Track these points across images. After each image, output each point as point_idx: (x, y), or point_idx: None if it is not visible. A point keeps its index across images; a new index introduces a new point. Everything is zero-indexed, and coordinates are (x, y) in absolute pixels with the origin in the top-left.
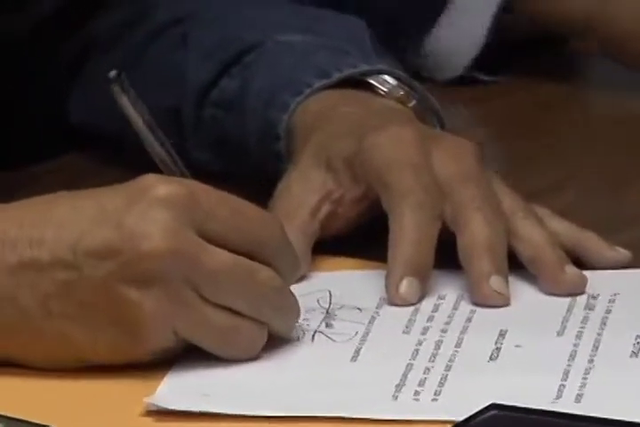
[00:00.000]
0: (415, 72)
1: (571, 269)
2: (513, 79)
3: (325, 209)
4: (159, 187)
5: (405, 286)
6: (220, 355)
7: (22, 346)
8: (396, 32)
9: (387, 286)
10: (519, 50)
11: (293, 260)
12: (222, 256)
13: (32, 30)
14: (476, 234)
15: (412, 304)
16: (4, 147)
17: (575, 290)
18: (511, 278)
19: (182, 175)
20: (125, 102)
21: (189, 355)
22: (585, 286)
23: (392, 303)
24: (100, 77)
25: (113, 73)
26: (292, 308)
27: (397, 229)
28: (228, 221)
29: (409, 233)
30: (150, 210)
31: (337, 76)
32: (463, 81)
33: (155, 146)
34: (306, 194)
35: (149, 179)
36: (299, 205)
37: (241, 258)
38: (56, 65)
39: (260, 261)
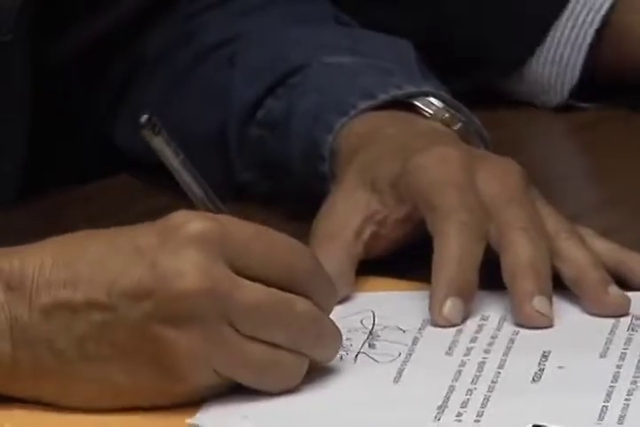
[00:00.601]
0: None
1: (614, 290)
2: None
3: (369, 230)
4: (191, 224)
5: (449, 307)
6: (262, 389)
7: (59, 389)
8: (489, 60)
9: (430, 307)
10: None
11: (329, 289)
12: (257, 291)
13: (82, 51)
14: (519, 254)
15: (456, 325)
16: (51, 165)
17: (618, 311)
18: (555, 299)
19: (220, 212)
20: (159, 145)
21: None
22: (628, 307)
23: (435, 324)
24: (146, 103)
25: (144, 117)
26: (333, 337)
27: (442, 249)
28: (261, 255)
29: (453, 253)
30: (183, 248)
31: (382, 97)
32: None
33: (191, 185)
34: (350, 215)
35: (182, 216)
36: (343, 226)
37: (276, 291)
38: (105, 85)
39: (296, 293)
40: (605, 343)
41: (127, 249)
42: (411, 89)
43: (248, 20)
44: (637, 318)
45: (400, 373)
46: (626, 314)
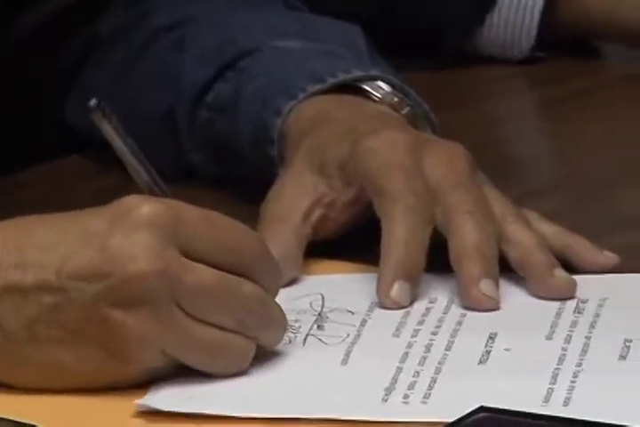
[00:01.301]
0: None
1: (560, 273)
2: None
3: (318, 213)
4: (142, 208)
5: (396, 290)
6: (209, 370)
7: (9, 370)
8: (442, 33)
9: (378, 290)
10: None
11: (276, 272)
12: (207, 273)
13: (34, 31)
14: (466, 238)
15: (403, 307)
16: (4, 146)
17: (564, 294)
18: (501, 282)
19: (165, 196)
20: (107, 128)
21: None
22: (574, 289)
23: (383, 306)
24: (98, 83)
25: (93, 101)
26: (279, 320)
27: (389, 232)
28: (210, 238)
29: (400, 236)
30: (134, 231)
31: (331, 81)
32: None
33: (137, 169)
34: (298, 197)
35: (132, 200)
36: (291, 209)
37: (224, 274)
38: (57, 65)
39: (243, 276)
40: (551, 326)
41: (77, 232)
42: (359, 73)
43: (199, 4)
44: (583, 302)
45: (348, 354)
46: (572, 297)
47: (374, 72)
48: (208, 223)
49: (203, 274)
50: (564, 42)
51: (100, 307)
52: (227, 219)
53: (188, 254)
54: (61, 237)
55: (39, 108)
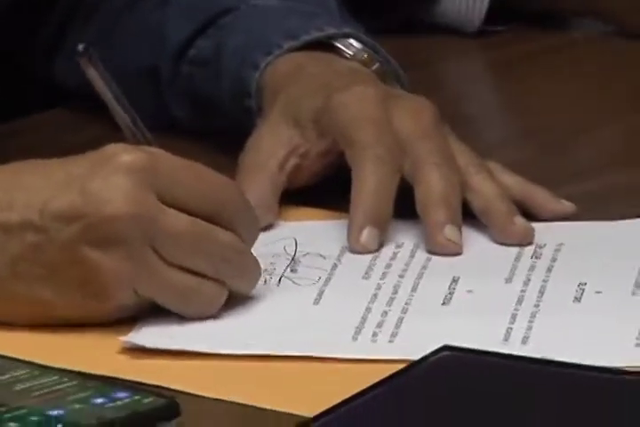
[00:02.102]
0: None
1: (519, 221)
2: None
3: (292, 162)
4: (122, 155)
5: (365, 235)
6: (181, 313)
7: None
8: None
9: (348, 235)
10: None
11: (253, 223)
12: (182, 219)
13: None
14: (432, 187)
15: (372, 252)
16: None
17: (523, 240)
18: (464, 229)
19: (148, 144)
20: (93, 75)
21: None
22: (532, 236)
23: (353, 251)
24: (84, 40)
25: (81, 46)
26: (253, 268)
27: (359, 181)
28: (188, 186)
29: (369, 185)
30: (113, 176)
31: (305, 38)
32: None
33: (122, 116)
34: (274, 148)
35: (114, 148)
36: (267, 158)
37: (200, 221)
38: (43, 27)
39: (220, 226)
40: (511, 269)
41: (60, 176)
42: (332, 31)
43: None
44: (540, 247)
45: (320, 295)
46: (530, 243)
47: (346, 30)
48: (188, 172)
49: (178, 219)
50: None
51: (78, 246)
52: (207, 169)
53: (166, 201)
54: (46, 181)
55: (29, 67)
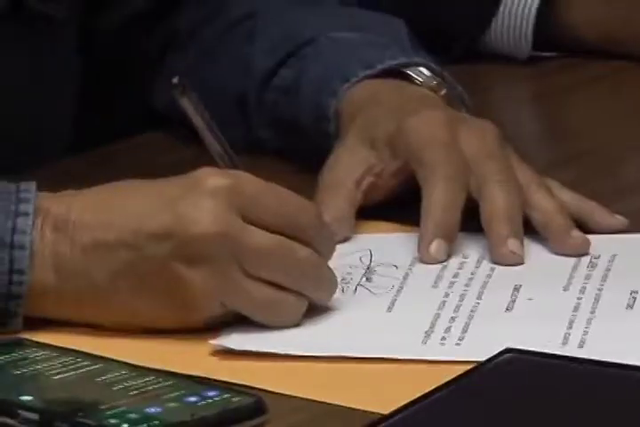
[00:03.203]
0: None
1: (576, 234)
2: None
3: (368, 180)
4: (211, 179)
5: (435, 247)
6: (264, 323)
7: (95, 314)
8: (449, 38)
9: (419, 247)
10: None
11: (329, 239)
12: (263, 236)
13: (124, 23)
14: (496, 203)
15: (441, 262)
16: (89, 125)
17: (580, 251)
18: (526, 241)
19: (235, 167)
20: (186, 104)
21: None
22: (588, 247)
23: (423, 262)
24: (180, 69)
25: (175, 79)
26: (330, 281)
27: (429, 198)
28: (270, 207)
29: (439, 201)
30: (202, 199)
31: (379, 67)
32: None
33: (212, 143)
34: (351, 167)
35: (204, 172)
36: (345, 177)
37: (281, 237)
38: (142, 53)
39: (299, 242)
40: (568, 279)
41: (154, 198)
42: (404, 60)
43: (265, 0)
44: (595, 258)
45: (393, 303)
46: (586, 254)
47: (416, 59)
48: (270, 194)
49: (260, 237)
50: (571, 43)
51: (169, 263)
52: (286, 190)
53: (250, 221)
54: (141, 202)
55: (129, 92)
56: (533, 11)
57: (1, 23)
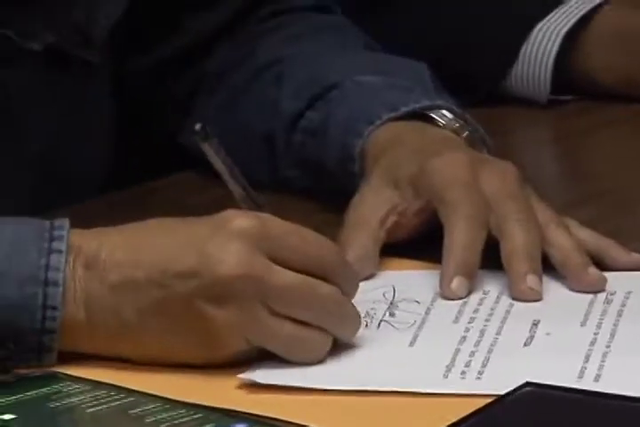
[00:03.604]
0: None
1: (593, 271)
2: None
3: (392, 219)
4: (237, 220)
5: (456, 284)
6: (289, 360)
7: (124, 349)
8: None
9: (440, 283)
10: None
11: (353, 278)
12: (287, 275)
13: (157, 66)
14: (516, 241)
15: (461, 298)
16: (122, 166)
17: (596, 288)
18: (544, 278)
19: (259, 208)
20: (208, 150)
21: None
22: (605, 284)
23: (445, 297)
24: (209, 111)
25: (198, 126)
26: (353, 318)
27: (451, 236)
28: (294, 247)
29: (460, 239)
30: (228, 240)
31: (403, 109)
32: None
33: (235, 187)
34: (376, 206)
35: (230, 214)
36: (369, 215)
37: (305, 277)
38: (174, 94)
39: (324, 281)
40: (585, 314)
41: (183, 237)
42: (427, 103)
43: (292, 46)
44: (611, 294)
45: (415, 338)
46: (602, 290)
47: (439, 102)
48: (293, 234)
49: (285, 276)
50: (589, 87)
51: (195, 302)
52: (309, 231)
53: (275, 261)
54: (170, 241)
55: (161, 131)
56: (552, 57)
57: (38, 67)
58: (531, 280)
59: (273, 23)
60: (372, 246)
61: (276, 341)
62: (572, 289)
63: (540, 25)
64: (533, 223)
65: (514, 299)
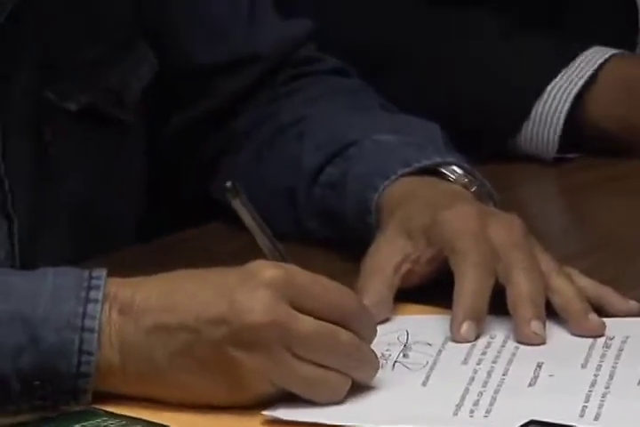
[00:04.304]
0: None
1: (593, 317)
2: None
3: (405, 267)
4: (264, 271)
5: (465, 328)
6: (311, 400)
7: (156, 391)
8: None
9: (451, 327)
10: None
11: (371, 324)
12: (310, 323)
13: (188, 126)
14: (521, 288)
15: (470, 342)
16: (153, 216)
17: (596, 333)
18: (548, 323)
19: (283, 260)
20: (239, 207)
21: None
22: (604, 330)
23: (455, 341)
24: (236, 168)
25: (229, 183)
26: (372, 362)
27: (461, 282)
28: (317, 296)
29: (469, 286)
30: (256, 290)
31: (416, 166)
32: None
33: (263, 239)
34: (391, 255)
35: (257, 265)
36: (385, 263)
37: (326, 324)
38: (204, 152)
39: (343, 327)
40: (585, 357)
41: (215, 286)
42: (438, 160)
43: (313, 106)
44: (610, 339)
45: (427, 378)
46: (602, 335)
47: (449, 159)
48: (316, 285)
49: (308, 323)
50: (594, 144)
51: (224, 347)
52: (330, 281)
53: (299, 309)
54: (203, 290)
55: (191, 187)
56: (562, 118)
57: (75, 125)
58: (535, 326)
59: (293, 86)
60: (386, 292)
61: (298, 383)
62: (573, 334)
63: (549, 86)
64: (537, 272)
65: (519, 342)
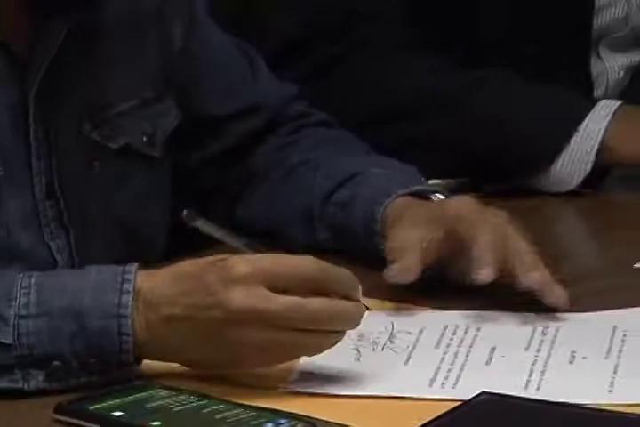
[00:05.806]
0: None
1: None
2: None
3: (424, 245)
4: (239, 264)
5: (486, 271)
6: (302, 356)
7: (174, 360)
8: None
9: (473, 269)
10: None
11: (343, 279)
12: (286, 300)
13: (204, 162)
14: (485, 238)
15: (444, 327)
16: (179, 237)
17: (562, 297)
18: (499, 315)
19: (259, 251)
20: (203, 225)
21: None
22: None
23: (477, 280)
24: (256, 198)
25: (185, 211)
26: (349, 315)
27: (476, 239)
28: (286, 275)
29: (485, 237)
30: (232, 282)
31: (412, 188)
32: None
33: (234, 242)
34: (412, 234)
35: (233, 259)
36: (408, 240)
37: (294, 298)
38: (226, 190)
39: (322, 294)
40: (528, 342)
41: (196, 280)
42: (427, 187)
43: (319, 150)
44: (547, 328)
45: (408, 358)
46: (550, 321)
47: (434, 188)
48: (280, 266)
49: (283, 301)
50: (610, 158)
51: (219, 328)
52: (292, 257)
53: (274, 289)
54: (194, 286)
55: (218, 213)
56: (591, 159)
57: (118, 159)
58: (487, 270)
59: (296, 137)
60: (413, 260)
61: (282, 350)
62: (519, 325)
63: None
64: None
65: (478, 330)
